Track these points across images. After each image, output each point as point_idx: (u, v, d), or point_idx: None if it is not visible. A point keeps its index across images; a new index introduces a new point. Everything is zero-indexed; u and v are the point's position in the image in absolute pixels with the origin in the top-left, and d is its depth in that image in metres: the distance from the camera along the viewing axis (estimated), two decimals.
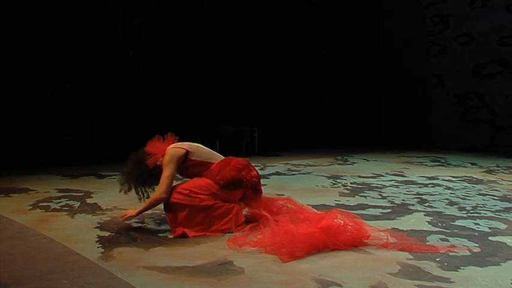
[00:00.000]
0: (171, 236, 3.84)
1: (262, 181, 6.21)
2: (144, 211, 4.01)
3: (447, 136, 10.87)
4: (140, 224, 4.20)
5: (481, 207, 4.93)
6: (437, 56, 11.16)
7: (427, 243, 3.66)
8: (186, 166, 4.09)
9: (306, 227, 3.63)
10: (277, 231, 3.61)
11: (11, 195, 5.35)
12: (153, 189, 4.11)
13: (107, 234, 3.89)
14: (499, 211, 4.74)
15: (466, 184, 6.26)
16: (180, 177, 4.31)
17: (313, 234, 3.51)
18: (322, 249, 3.44)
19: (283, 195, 5.32)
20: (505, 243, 3.69)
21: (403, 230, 3.99)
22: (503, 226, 4.19)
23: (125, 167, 4.13)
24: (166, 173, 3.94)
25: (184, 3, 9.72)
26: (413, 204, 5.03)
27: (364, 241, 3.61)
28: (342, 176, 6.87)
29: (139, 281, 2.91)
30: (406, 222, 4.30)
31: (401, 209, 4.81)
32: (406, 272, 3.07)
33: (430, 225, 4.21)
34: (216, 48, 10.15)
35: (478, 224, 4.25)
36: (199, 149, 4.18)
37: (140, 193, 4.10)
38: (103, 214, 4.53)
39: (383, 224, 4.19)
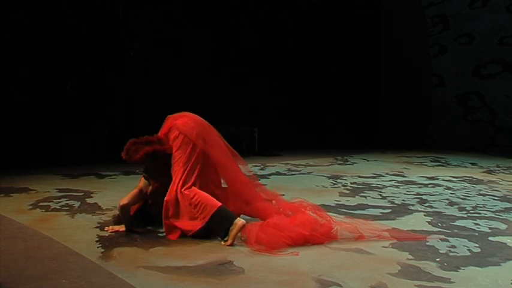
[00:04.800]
0: None
1: (262, 181, 6.25)
2: (128, 225, 3.93)
3: (447, 136, 10.86)
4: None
5: (481, 207, 4.93)
6: (437, 56, 11.15)
7: (427, 244, 3.67)
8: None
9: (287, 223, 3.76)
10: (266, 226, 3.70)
11: (11, 195, 5.35)
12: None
13: (107, 234, 3.89)
14: (499, 211, 4.75)
15: (466, 184, 6.26)
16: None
17: (291, 230, 3.65)
18: (303, 244, 3.57)
19: (284, 195, 5.31)
20: (505, 244, 3.69)
21: (403, 230, 4.01)
22: (503, 226, 4.20)
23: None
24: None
25: (184, 3, 9.71)
26: (413, 205, 5.03)
27: (338, 233, 3.76)
28: (342, 176, 6.87)
29: (139, 281, 2.91)
30: (406, 223, 4.30)
31: (402, 209, 4.81)
32: (406, 272, 3.08)
33: (430, 226, 4.21)
34: (216, 48, 10.14)
35: (478, 224, 4.25)
36: None
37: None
38: (103, 214, 4.53)
39: (383, 224, 4.20)
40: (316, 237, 3.65)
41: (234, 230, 3.63)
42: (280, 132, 10.74)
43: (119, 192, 5.22)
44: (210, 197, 3.79)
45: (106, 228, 3.99)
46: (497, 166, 7.95)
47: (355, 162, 8.34)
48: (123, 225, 3.95)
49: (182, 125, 4.00)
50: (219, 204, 3.75)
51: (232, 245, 3.59)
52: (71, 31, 8.41)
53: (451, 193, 5.66)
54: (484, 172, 7.33)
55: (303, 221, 3.76)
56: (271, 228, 3.62)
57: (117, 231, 3.92)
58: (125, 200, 3.89)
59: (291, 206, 4.05)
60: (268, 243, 3.49)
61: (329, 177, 6.73)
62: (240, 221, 3.65)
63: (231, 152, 4.14)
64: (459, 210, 4.78)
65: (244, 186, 4.04)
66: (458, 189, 5.89)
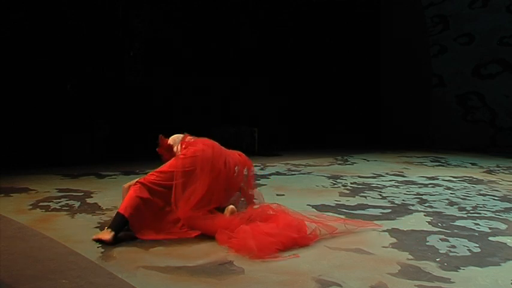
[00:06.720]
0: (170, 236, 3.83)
1: (262, 181, 6.26)
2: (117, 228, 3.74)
3: (447, 136, 10.87)
4: None
5: (481, 207, 4.93)
6: (437, 56, 11.16)
7: (427, 244, 3.67)
8: None
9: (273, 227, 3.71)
10: (249, 233, 3.60)
11: (11, 194, 5.34)
12: None
13: None
14: (499, 211, 4.75)
15: (466, 184, 6.26)
16: None
17: (280, 234, 3.59)
18: (291, 247, 3.51)
19: (284, 195, 5.32)
20: (505, 244, 3.69)
21: (403, 231, 4.01)
22: (503, 226, 4.20)
23: None
24: None
25: (184, 3, 9.71)
26: (413, 205, 5.03)
27: (318, 232, 3.77)
28: (342, 176, 6.87)
29: (139, 281, 2.90)
30: (406, 223, 4.30)
31: (402, 209, 4.81)
32: (406, 272, 3.08)
33: (430, 226, 4.21)
34: (216, 48, 10.15)
35: (478, 224, 4.25)
36: None
37: None
38: (103, 214, 4.52)
39: (383, 224, 4.19)
40: (305, 238, 3.63)
41: None
42: (280, 132, 10.74)
43: (119, 192, 5.20)
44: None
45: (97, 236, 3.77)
46: (497, 166, 7.95)
47: (355, 162, 8.35)
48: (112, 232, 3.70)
49: (193, 151, 4.08)
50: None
51: None
52: (71, 31, 8.41)
53: (451, 193, 5.66)
54: (484, 172, 7.33)
55: (287, 223, 3.72)
56: (262, 235, 3.52)
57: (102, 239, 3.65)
58: (128, 185, 4.08)
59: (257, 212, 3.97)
60: (260, 251, 3.37)
61: (329, 177, 6.73)
62: None
63: (230, 185, 4.15)
64: (459, 210, 4.78)
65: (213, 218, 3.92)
66: (458, 189, 5.89)
